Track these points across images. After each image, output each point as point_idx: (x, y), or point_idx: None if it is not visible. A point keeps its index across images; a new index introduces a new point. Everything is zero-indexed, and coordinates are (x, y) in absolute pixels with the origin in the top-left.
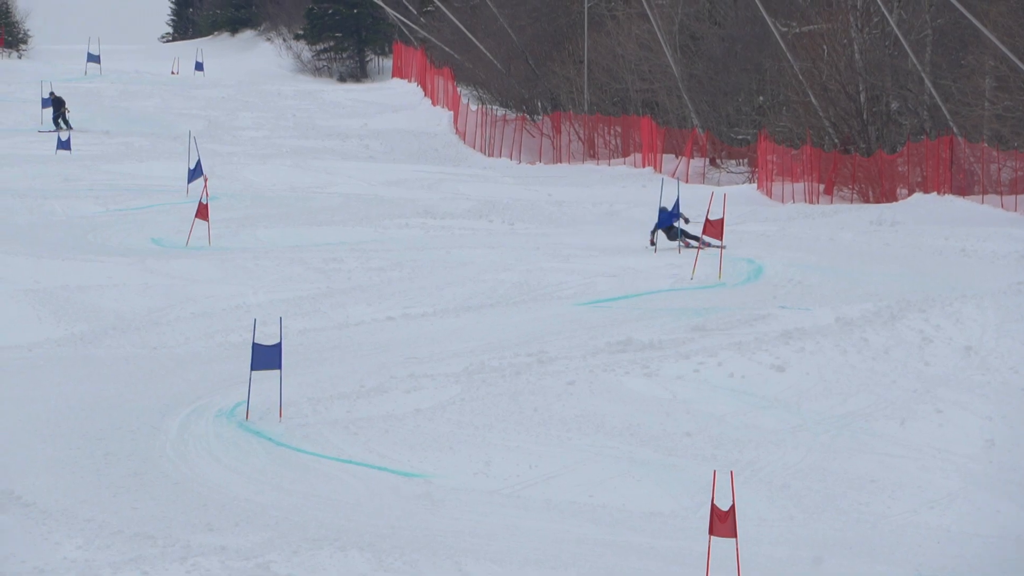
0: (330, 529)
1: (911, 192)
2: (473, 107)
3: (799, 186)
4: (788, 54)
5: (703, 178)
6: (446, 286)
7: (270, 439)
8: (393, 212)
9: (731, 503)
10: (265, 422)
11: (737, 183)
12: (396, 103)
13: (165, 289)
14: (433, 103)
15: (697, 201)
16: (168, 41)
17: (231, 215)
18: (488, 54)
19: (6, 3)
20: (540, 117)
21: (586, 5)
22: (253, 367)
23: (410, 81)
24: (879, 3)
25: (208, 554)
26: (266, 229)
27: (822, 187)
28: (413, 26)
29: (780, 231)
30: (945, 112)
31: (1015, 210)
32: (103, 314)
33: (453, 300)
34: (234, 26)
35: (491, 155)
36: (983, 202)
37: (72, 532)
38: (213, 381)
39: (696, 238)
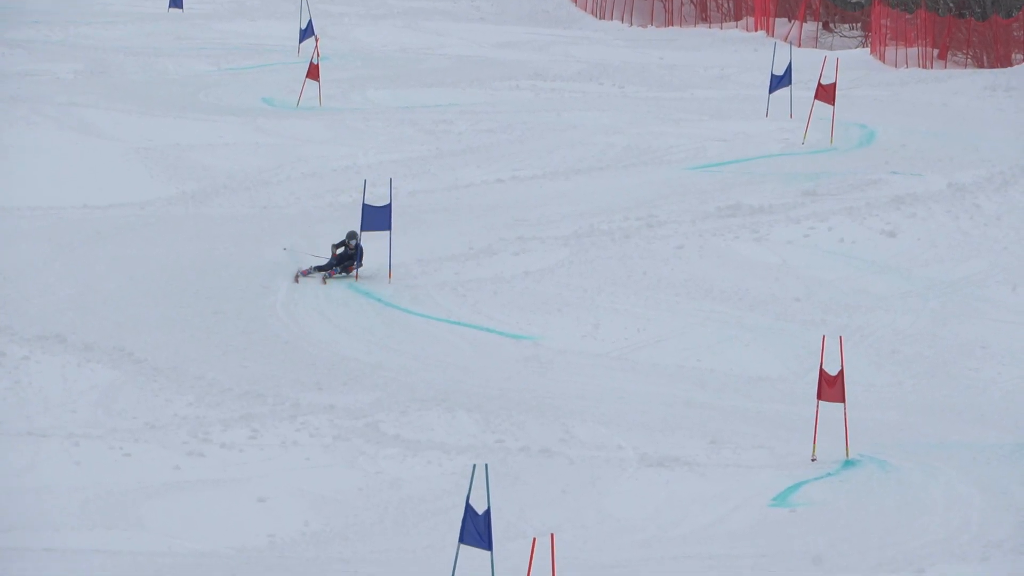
0: (438, 390)
1: None
2: None
3: (913, 51)
4: None
5: (816, 42)
6: (556, 149)
7: (379, 300)
8: (503, 74)
9: (840, 368)
10: (374, 283)
11: (850, 47)
12: None
13: (275, 149)
14: None
15: (809, 66)
16: None
17: (342, 76)
18: None
19: None
20: None
21: None
22: (363, 228)
23: None
24: None
25: (317, 413)
26: (376, 90)
27: (936, 52)
28: None
29: (893, 96)
30: None
31: None
32: (214, 173)
33: (563, 163)
34: None
35: (602, 17)
36: None
37: (183, 389)
38: (323, 241)
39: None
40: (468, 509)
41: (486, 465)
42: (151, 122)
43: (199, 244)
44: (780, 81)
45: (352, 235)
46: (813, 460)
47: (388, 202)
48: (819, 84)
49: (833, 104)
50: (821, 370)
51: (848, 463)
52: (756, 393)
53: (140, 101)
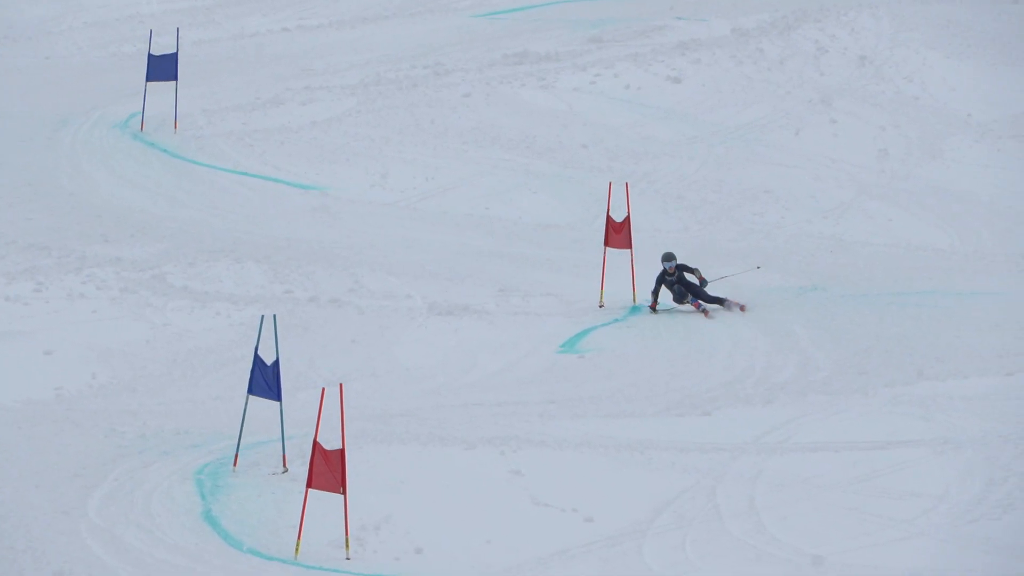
0: (226, 241)
1: None
2: None
3: None
4: None
5: None
6: None
7: (165, 151)
8: None
9: (626, 214)
10: (160, 134)
11: None
12: None
13: None
14: None
15: None
16: None
17: None
18: None
19: None
20: None
21: None
22: (148, 78)
23: None
24: None
25: (103, 265)
26: None
27: None
28: None
29: None
30: None
31: None
32: None
33: (348, 11)
34: None
35: None
36: None
37: None
38: (107, 92)
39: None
40: (257, 360)
41: (274, 316)
42: None
43: None
44: None
45: (668, 257)
46: (601, 306)
47: (175, 51)
48: None
49: None
50: (608, 216)
51: (635, 309)
52: (545, 240)
53: None
